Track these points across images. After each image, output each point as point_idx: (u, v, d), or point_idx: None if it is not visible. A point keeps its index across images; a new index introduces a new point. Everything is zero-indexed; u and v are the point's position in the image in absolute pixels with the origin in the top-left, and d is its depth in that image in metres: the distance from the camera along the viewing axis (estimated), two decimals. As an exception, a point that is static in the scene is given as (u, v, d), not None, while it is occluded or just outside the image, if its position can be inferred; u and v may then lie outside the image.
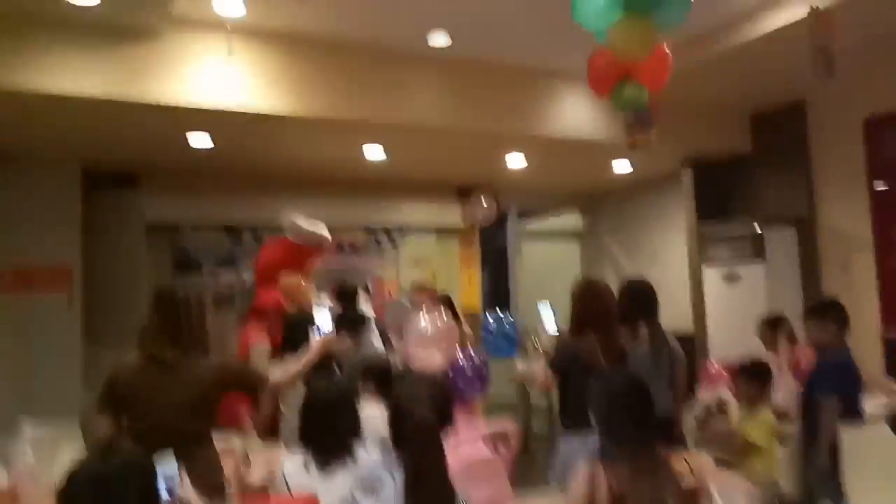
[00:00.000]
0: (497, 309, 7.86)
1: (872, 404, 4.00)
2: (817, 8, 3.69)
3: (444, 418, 1.93)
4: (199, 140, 4.86)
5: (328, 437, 2.33)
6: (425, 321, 3.53)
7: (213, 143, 4.92)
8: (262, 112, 4.27)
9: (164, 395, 2.35)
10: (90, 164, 5.30)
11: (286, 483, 2.23)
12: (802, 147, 5.75)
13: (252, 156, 5.51)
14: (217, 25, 3.92)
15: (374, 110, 4.62)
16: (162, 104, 4.02)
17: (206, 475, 2.32)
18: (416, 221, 6.87)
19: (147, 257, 5.56)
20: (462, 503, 1.85)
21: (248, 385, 2.60)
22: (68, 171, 5.17)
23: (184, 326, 2.41)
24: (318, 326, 2.97)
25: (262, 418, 3.54)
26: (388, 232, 6.77)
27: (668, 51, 3.27)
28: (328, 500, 2.19)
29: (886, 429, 3.24)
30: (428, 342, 3.17)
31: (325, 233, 5.31)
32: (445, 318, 3.57)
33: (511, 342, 3.98)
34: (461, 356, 4.13)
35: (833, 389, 3.20)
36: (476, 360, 3.88)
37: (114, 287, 5.33)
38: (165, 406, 2.34)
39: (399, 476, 1.84)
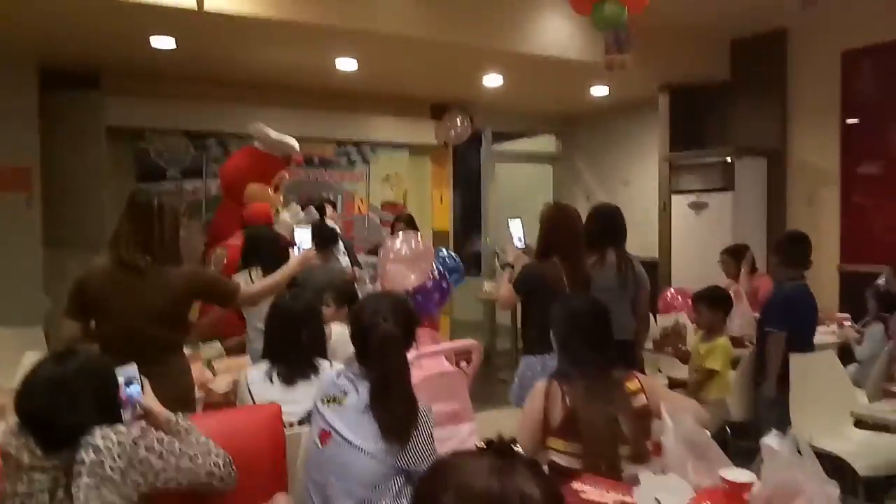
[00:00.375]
0: (465, 232, 7.90)
1: (824, 333, 4.17)
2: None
3: (407, 333, 1.94)
4: (162, 41, 4.63)
5: (292, 351, 2.39)
6: (401, 240, 3.50)
7: (177, 44, 4.70)
8: (226, 12, 4.05)
9: (135, 300, 2.31)
10: (48, 63, 5.06)
11: (250, 393, 2.26)
12: (780, 77, 5.71)
13: (218, 60, 5.28)
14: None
15: (345, 16, 4.41)
16: (123, 1, 3.79)
17: (174, 383, 2.33)
18: (388, 137, 6.73)
19: (108, 161, 5.38)
20: (424, 414, 1.89)
21: (220, 295, 2.57)
22: (25, 69, 4.95)
23: (157, 234, 2.35)
24: (298, 243, 2.93)
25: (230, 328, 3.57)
26: (358, 146, 6.63)
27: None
28: (291, 411, 2.23)
29: (833, 357, 3.39)
30: (403, 262, 3.15)
31: (294, 143, 5.20)
32: (420, 240, 3.57)
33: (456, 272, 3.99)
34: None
35: (785, 323, 3.30)
36: (436, 273, 3.90)
37: (73, 190, 5.19)
38: (136, 311, 2.31)
39: (363, 388, 1.86)
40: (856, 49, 5.23)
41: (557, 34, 5.17)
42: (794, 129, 5.69)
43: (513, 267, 3.39)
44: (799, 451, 1.54)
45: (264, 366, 2.39)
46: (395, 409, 1.81)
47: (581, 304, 2.24)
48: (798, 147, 5.66)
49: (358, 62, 5.31)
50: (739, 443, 3.57)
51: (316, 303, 2.64)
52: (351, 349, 1.98)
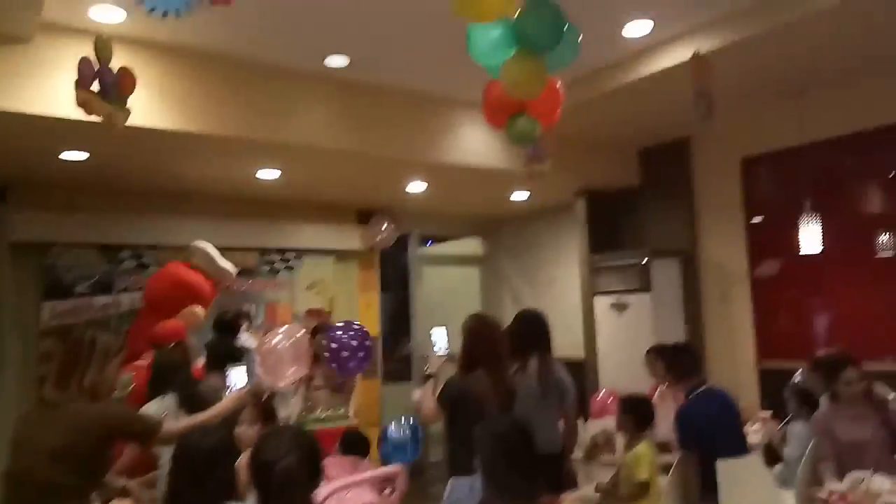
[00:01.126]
0: (394, 336, 7.78)
1: (748, 433, 4.20)
2: (698, 52, 3.89)
3: (312, 470, 1.80)
4: (73, 154, 4.51)
5: (199, 497, 2.10)
6: (276, 338, 3.33)
7: (91, 156, 4.59)
8: (142, 126, 3.99)
9: (38, 438, 2.14)
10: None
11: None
12: (686, 182, 6.05)
13: (133, 172, 5.17)
14: (93, 33, 3.64)
15: (266, 129, 4.44)
16: (31, 114, 3.69)
17: None
18: (314, 244, 6.66)
19: (10, 278, 5.08)
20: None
21: (139, 433, 2.36)
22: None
23: (78, 369, 2.26)
24: (231, 383, 2.78)
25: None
26: (282, 254, 6.53)
27: (559, 87, 3.33)
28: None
29: (758, 461, 3.39)
30: (283, 359, 2.96)
31: (233, 272, 5.12)
32: (295, 331, 3.41)
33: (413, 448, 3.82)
34: (342, 331, 4.00)
35: (693, 441, 3.32)
36: (359, 333, 3.77)
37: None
38: (35, 451, 2.12)
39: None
40: (754, 155, 5.63)
41: (477, 144, 5.36)
42: (702, 230, 5.98)
43: (436, 377, 3.32)
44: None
45: None
46: None
47: (506, 427, 2.16)
48: (708, 247, 5.93)
49: (281, 172, 5.32)
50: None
51: (229, 439, 2.33)
52: None
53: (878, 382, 3.52)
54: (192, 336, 4.67)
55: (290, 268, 6.57)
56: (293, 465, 1.73)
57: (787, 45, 4.21)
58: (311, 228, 6.60)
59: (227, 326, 4.62)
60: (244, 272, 6.21)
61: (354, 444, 3.35)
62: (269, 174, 5.33)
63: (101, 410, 2.30)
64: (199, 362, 4.05)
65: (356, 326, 4.20)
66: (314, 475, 1.83)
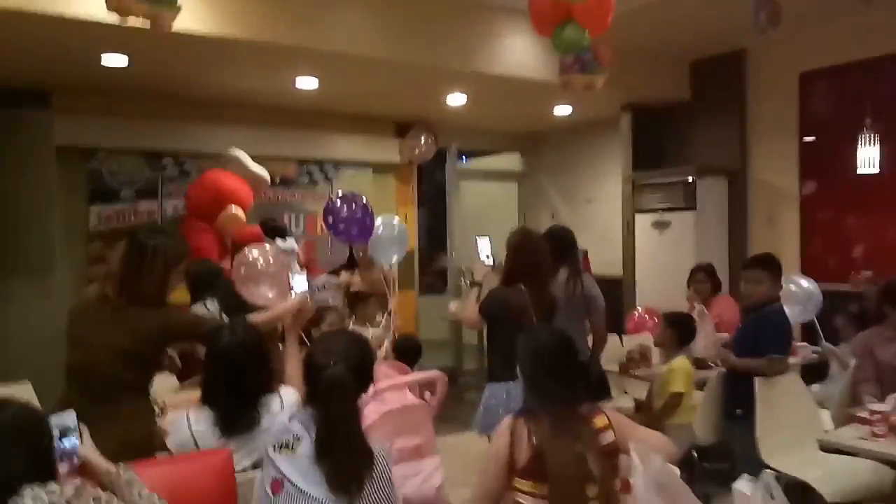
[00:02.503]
0: (431, 250, 7.83)
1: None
2: (765, -44, 3.62)
3: (361, 377, 1.84)
4: (114, 59, 4.48)
5: (234, 397, 2.16)
6: (256, 253, 2.99)
7: (133, 62, 4.55)
8: (181, 31, 3.92)
9: (104, 336, 2.27)
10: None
11: (193, 438, 2.12)
12: (740, 98, 5.78)
13: (174, 78, 5.14)
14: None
15: (305, 36, 4.33)
16: (74, 18, 3.65)
17: (126, 427, 2.21)
18: (352, 156, 6.63)
19: (58, 182, 5.18)
20: (382, 457, 1.79)
21: (203, 336, 2.42)
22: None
23: (144, 277, 2.33)
24: (293, 289, 2.79)
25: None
26: (320, 165, 6.52)
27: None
28: (240, 458, 2.10)
29: (798, 380, 3.39)
30: (259, 277, 2.86)
31: (268, 178, 5.15)
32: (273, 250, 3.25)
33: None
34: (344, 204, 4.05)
35: (773, 347, 3.27)
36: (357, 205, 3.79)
37: (22, 212, 4.96)
38: (101, 348, 2.26)
39: (314, 432, 1.76)
40: (813, 70, 5.33)
41: (520, 54, 5.17)
42: (753, 148, 5.76)
43: (480, 285, 3.37)
44: (772, 496, 1.49)
45: (209, 414, 2.17)
46: (340, 459, 1.70)
47: (546, 337, 2.16)
48: (758, 167, 5.73)
49: (319, 81, 5.23)
50: (706, 465, 3.56)
51: (258, 336, 2.33)
52: None
53: None
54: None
55: (328, 179, 6.58)
56: (342, 371, 1.76)
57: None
58: (349, 140, 6.56)
59: (275, 231, 4.71)
60: (283, 182, 6.25)
61: (408, 351, 3.43)
62: (307, 83, 5.25)
63: (166, 317, 2.37)
64: None
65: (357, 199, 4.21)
66: (363, 382, 1.86)
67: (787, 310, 3.48)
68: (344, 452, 1.72)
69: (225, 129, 5.73)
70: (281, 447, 1.78)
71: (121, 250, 2.45)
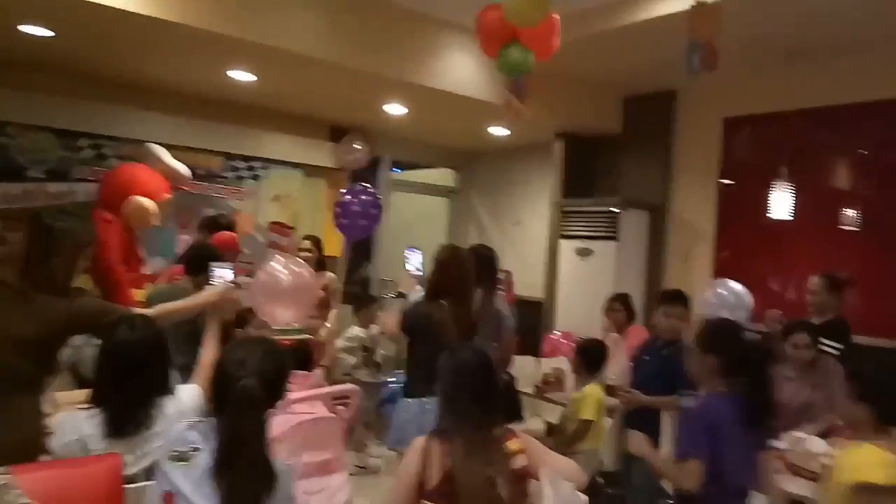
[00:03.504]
0: (356, 258, 7.71)
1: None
2: (702, 2, 3.76)
3: (274, 391, 1.76)
4: (34, 28, 4.21)
5: (127, 396, 2.01)
6: (279, 269, 3.24)
7: (57, 36, 4.29)
8: (115, 7, 3.73)
9: (4, 325, 2.07)
10: None
11: (82, 445, 1.97)
12: (667, 135, 6.01)
13: (99, 58, 4.87)
14: None
15: (246, 28, 4.20)
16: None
17: (15, 427, 2.04)
18: (283, 156, 6.48)
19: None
20: (285, 475, 1.72)
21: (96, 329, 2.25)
22: None
23: (50, 259, 2.17)
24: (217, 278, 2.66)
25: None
26: (248, 162, 6.33)
27: (556, 20, 3.21)
28: (129, 463, 1.96)
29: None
30: (280, 295, 2.90)
31: (187, 173, 4.95)
32: (301, 268, 3.35)
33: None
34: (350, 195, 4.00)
35: (686, 383, 3.31)
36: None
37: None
38: (1, 337, 2.06)
39: (214, 444, 1.67)
40: (736, 117, 5.60)
41: (463, 72, 5.20)
42: (676, 186, 5.99)
43: (405, 296, 3.36)
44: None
45: (96, 412, 2.01)
46: (239, 476, 1.62)
47: (469, 357, 2.14)
48: (679, 204, 5.95)
49: (256, 76, 5.09)
50: (609, 491, 3.63)
51: (159, 335, 2.16)
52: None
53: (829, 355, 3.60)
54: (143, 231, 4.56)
55: (256, 177, 6.40)
56: (255, 384, 1.68)
57: (791, 6, 4.12)
58: (281, 139, 6.41)
59: (214, 227, 4.53)
60: (208, 176, 6.03)
61: (301, 360, 3.33)
62: (242, 76, 5.10)
63: (73, 305, 2.20)
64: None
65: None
66: (275, 396, 1.79)
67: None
68: (244, 469, 1.63)
69: (150, 116, 5.49)
70: (175, 459, 1.68)
71: (24, 232, 2.25)
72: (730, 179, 5.64)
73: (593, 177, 6.49)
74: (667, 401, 3.30)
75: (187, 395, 2.14)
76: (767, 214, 5.06)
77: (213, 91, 5.62)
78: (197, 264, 3.34)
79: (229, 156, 6.18)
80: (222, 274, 2.67)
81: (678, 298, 3.60)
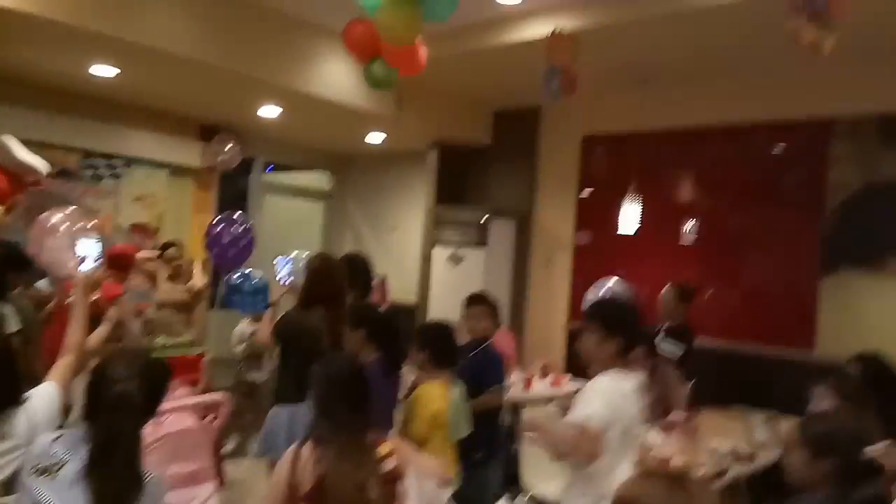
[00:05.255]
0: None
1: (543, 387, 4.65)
2: (558, 30, 4.06)
3: (151, 401, 1.77)
4: None
5: None
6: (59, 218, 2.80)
7: None
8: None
9: None
10: None
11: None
12: (532, 149, 6.39)
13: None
14: None
15: (106, 22, 4.01)
16: None
17: None
18: (146, 154, 6.19)
19: None
20: (154, 484, 1.73)
21: None
22: None
23: None
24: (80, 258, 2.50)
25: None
26: (109, 160, 6.00)
27: (423, 44, 3.35)
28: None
29: (558, 411, 3.78)
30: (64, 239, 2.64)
31: (43, 168, 4.62)
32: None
33: (263, 295, 4.04)
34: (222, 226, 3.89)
35: (495, 379, 3.45)
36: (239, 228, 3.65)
37: None
38: None
39: (84, 454, 1.65)
40: (593, 135, 6.06)
41: (337, 78, 5.24)
42: (540, 196, 6.38)
43: (276, 305, 3.36)
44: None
45: None
46: (108, 483, 1.62)
47: (342, 364, 2.24)
48: (542, 213, 6.35)
49: (119, 70, 4.86)
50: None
51: (3, 345, 2.08)
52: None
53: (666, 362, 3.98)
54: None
55: (116, 175, 6.08)
56: (133, 390, 1.68)
57: (644, 37, 4.54)
58: (145, 136, 6.12)
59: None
60: (63, 173, 5.65)
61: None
62: (104, 70, 4.85)
63: None
64: None
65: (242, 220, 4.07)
66: (152, 406, 1.79)
67: None
68: (114, 476, 1.63)
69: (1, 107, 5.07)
70: (39, 472, 1.64)
71: None
72: (586, 193, 6.09)
73: (465, 186, 6.75)
74: (488, 398, 3.32)
75: (40, 402, 2.02)
76: (618, 226, 5.51)
77: (73, 85, 5.29)
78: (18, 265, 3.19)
79: (87, 153, 5.82)
80: (87, 249, 2.55)
81: (478, 300, 3.68)
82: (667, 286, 4.48)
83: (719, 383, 4.84)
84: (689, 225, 5.48)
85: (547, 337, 6.10)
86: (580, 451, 2.21)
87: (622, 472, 2.10)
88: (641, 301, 5.45)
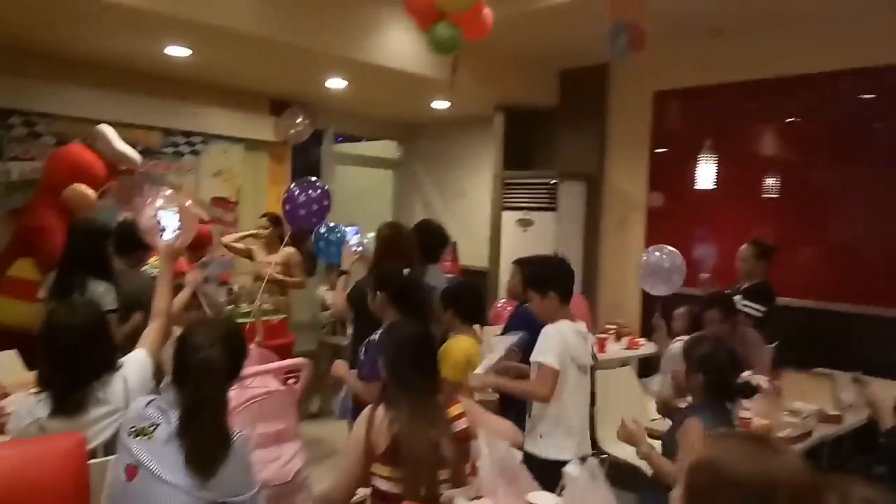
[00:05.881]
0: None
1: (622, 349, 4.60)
2: (624, -18, 3.91)
3: (233, 366, 1.88)
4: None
5: (68, 379, 2.05)
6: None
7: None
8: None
9: None
10: None
11: (37, 427, 2.03)
12: (601, 108, 6.23)
13: (32, 33, 4.72)
14: None
15: (180, 4, 4.15)
16: None
17: None
18: (223, 130, 6.40)
19: None
20: (240, 444, 1.84)
21: None
22: None
23: None
24: (162, 227, 2.65)
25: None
26: (188, 137, 6.25)
27: (485, 5, 3.30)
28: (87, 444, 2.04)
29: (631, 374, 3.76)
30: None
31: (137, 158, 4.90)
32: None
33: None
34: (298, 189, 4.08)
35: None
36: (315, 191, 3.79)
37: None
38: None
39: (174, 417, 1.78)
40: (665, 90, 5.85)
41: (402, 47, 5.25)
42: (610, 156, 6.24)
43: (348, 274, 3.45)
44: (595, 477, 1.71)
45: (44, 394, 2.06)
46: (199, 442, 1.74)
47: (408, 329, 2.29)
48: (613, 174, 6.21)
49: (191, 51, 5.02)
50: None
51: (98, 316, 2.21)
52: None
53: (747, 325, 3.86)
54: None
55: (195, 152, 6.32)
56: (216, 356, 1.79)
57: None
58: (221, 113, 6.33)
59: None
60: (146, 152, 5.93)
61: None
62: (178, 52, 5.02)
63: None
64: None
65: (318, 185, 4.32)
66: (235, 371, 1.90)
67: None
68: (204, 436, 1.75)
69: (85, 92, 5.35)
70: (136, 434, 1.78)
71: None
72: (660, 151, 5.91)
73: (533, 149, 6.68)
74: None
75: (134, 368, 2.19)
76: (694, 184, 5.34)
77: (150, 66, 5.51)
78: (127, 243, 3.38)
79: (168, 132, 6.09)
80: (168, 220, 2.70)
81: (516, 262, 3.79)
82: (745, 244, 4.32)
83: (804, 344, 4.67)
84: (769, 180, 5.25)
85: (621, 299, 6.02)
86: (538, 393, 2.63)
87: (582, 404, 2.77)
88: (718, 261, 5.30)
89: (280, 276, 4.91)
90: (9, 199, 5.04)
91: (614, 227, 6.18)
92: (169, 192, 2.76)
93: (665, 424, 3.27)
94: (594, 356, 2.97)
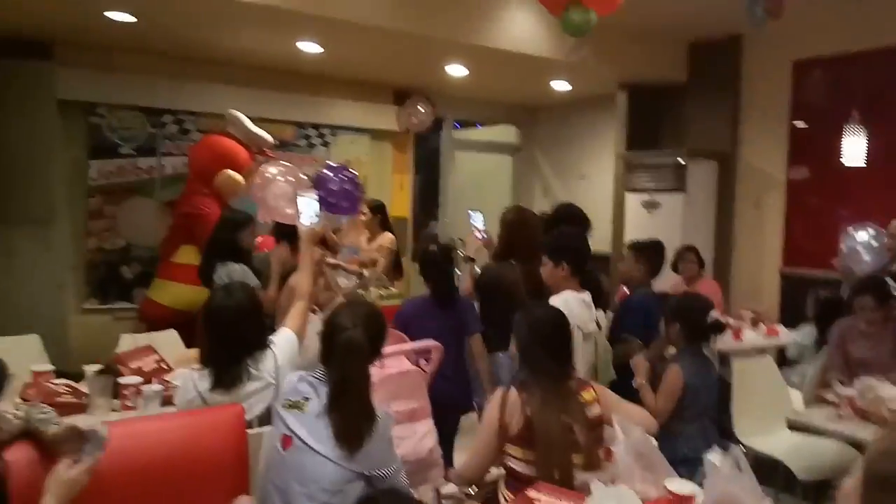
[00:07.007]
0: (423, 217, 7.94)
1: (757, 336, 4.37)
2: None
3: (374, 345, 1.99)
4: (118, 14, 4.49)
5: (227, 354, 2.25)
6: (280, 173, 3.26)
7: (136, 17, 4.56)
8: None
9: None
10: (-4, 30, 4.84)
11: (201, 400, 2.23)
12: (734, 81, 5.88)
13: (177, 37, 5.14)
14: None
15: (309, 1, 4.35)
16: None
17: None
18: (350, 121, 6.68)
19: (60, 134, 5.21)
20: (382, 420, 1.94)
21: None
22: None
23: None
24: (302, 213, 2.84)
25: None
26: (318, 129, 6.57)
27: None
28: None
29: (771, 363, 3.57)
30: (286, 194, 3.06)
31: (268, 138, 5.22)
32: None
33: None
34: (333, 172, 4.16)
35: (632, 326, 3.34)
36: (348, 177, 3.88)
37: (24, 163, 5.01)
38: None
39: (324, 393, 1.91)
40: (806, 59, 5.43)
41: (521, 29, 5.21)
42: (744, 133, 5.88)
43: (474, 260, 3.50)
44: (739, 468, 1.66)
45: (205, 370, 2.27)
46: (348, 415, 1.86)
47: (543, 313, 2.30)
48: (747, 151, 5.86)
49: (321, 47, 5.26)
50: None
51: (253, 297, 2.42)
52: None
53: None
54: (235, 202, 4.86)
55: (325, 143, 6.63)
56: (359, 336, 1.90)
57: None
58: (348, 105, 6.60)
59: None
60: (281, 145, 6.29)
61: None
62: (310, 47, 5.27)
63: None
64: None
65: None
66: (375, 350, 2.02)
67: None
68: (351, 410, 1.87)
69: (225, 89, 5.76)
70: (290, 406, 1.93)
71: None
72: (801, 124, 5.50)
73: (658, 128, 6.42)
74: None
75: (283, 345, 2.38)
76: (839, 159, 4.94)
77: (283, 62, 5.83)
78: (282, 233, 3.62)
79: (300, 125, 6.43)
80: (307, 206, 2.84)
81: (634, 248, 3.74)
82: (895, 220, 3.95)
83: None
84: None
85: (757, 284, 5.70)
86: None
87: (582, 367, 2.80)
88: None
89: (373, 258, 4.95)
90: (165, 193, 5.55)
91: (750, 208, 5.83)
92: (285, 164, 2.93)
93: (808, 415, 3.09)
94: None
